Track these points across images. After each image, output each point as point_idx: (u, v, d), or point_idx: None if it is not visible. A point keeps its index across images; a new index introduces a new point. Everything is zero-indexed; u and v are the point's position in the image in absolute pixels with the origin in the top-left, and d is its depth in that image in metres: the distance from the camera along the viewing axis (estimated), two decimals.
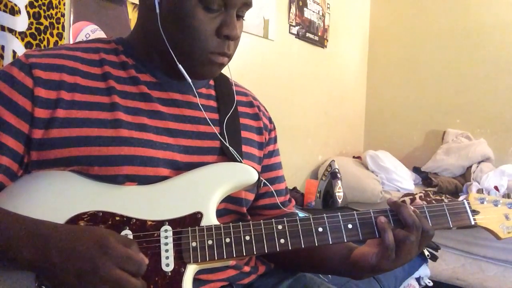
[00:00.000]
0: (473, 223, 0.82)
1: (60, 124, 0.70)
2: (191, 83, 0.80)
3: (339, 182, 2.47)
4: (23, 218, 0.63)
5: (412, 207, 0.77)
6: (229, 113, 0.87)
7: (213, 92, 0.89)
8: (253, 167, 0.80)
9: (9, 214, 0.64)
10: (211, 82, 0.91)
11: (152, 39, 0.79)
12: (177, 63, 0.77)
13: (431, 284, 2.02)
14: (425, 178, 3.02)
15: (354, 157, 3.23)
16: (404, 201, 2.55)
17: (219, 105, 0.87)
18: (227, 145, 0.82)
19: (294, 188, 2.59)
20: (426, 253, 1.88)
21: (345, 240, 0.75)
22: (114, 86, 0.76)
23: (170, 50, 0.76)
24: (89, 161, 0.70)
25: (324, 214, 0.75)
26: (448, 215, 0.81)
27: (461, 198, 2.64)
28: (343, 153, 3.29)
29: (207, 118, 0.82)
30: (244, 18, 0.81)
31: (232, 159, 0.82)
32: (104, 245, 0.59)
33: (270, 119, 0.99)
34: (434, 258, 1.92)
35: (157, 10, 0.75)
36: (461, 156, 2.97)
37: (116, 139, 0.72)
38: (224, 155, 0.82)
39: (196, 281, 0.73)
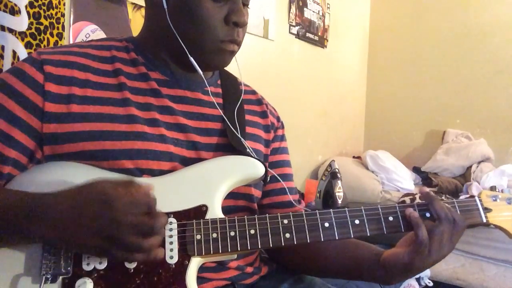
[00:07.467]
0: (484, 220, 0.80)
1: (73, 119, 0.71)
2: (203, 75, 0.81)
3: (339, 182, 2.47)
4: (24, 195, 0.64)
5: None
6: (235, 109, 0.87)
7: (220, 90, 0.90)
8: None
9: (9, 193, 0.66)
10: (219, 82, 0.92)
11: (161, 35, 0.81)
12: (188, 55, 0.78)
13: (431, 284, 2.02)
14: (425, 178, 3.02)
15: (354, 157, 3.22)
16: (404, 201, 2.55)
17: (224, 102, 0.88)
18: (243, 141, 0.83)
19: None
20: None
21: (352, 236, 0.75)
22: (125, 82, 0.78)
23: (181, 43, 0.78)
24: (103, 155, 0.71)
25: (331, 210, 0.75)
26: (459, 212, 0.79)
27: (462, 197, 2.64)
28: (343, 153, 3.29)
29: (220, 114, 0.83)
30: (249, 6, 0.84)
31: (238, 154, 0.81)
32: (106, 199, 0.59)
33: (278, 118, 1.00)
34: None
35: (165, 6, 0.77)
36: (461, 156, 2.96)
37: (130, 133, 0.73)
38: (232, 152, 0.82)
39: (200, 279, 0.73)
